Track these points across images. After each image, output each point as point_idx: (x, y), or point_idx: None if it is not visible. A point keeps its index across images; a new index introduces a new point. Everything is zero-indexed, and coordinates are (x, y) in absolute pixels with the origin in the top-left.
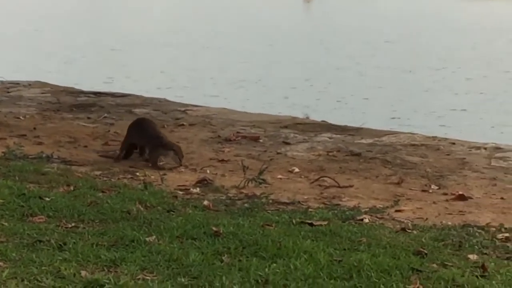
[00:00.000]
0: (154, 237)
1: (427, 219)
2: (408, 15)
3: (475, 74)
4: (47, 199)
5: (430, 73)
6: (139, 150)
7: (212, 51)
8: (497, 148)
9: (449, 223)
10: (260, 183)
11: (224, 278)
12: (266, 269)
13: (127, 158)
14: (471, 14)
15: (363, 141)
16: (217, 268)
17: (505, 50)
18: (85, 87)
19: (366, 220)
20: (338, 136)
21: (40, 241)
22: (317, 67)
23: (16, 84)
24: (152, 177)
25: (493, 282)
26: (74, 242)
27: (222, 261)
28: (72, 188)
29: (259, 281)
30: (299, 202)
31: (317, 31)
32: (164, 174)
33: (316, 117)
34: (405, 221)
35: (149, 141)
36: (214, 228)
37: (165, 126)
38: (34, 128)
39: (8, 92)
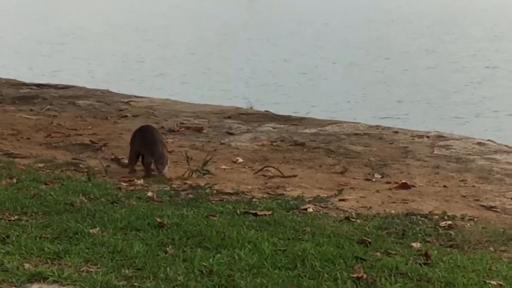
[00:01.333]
0: (98, 229)
1: (370, 208)
2: (353, 7)
3: (416, 64)
4: None
5: (373, 65)
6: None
7: (157, 45)
8: (440, 137)
9: (393, 211)
10: (204, 174)
11: (168, 269)
12: (211, 260)
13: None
14: (414, 5)
15: (307, 130)
16: (162, 259)
17: (445, 40)
18: (28, 80)
19: (310, 210)
20: (282, 126)
21: None
22: (261, 60)
23: None
24: (96, 168)
25: (436, 270)
26: (17, 235)
27: (166, 252)
28: (15, 180)
29: (204, 271)
30: (243, 192)
31: (262, 25)
32: (108, 166)
33: (259, 107)
34: (349, 210)
35: (146, 149)
36: (158, 219)
37: (109, 117)
38: None
39: None
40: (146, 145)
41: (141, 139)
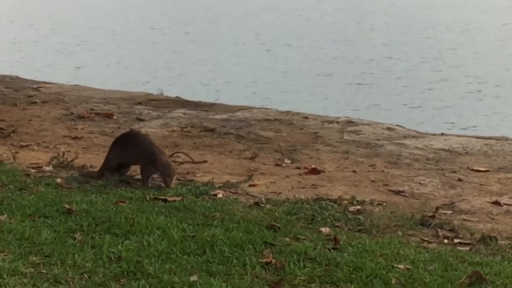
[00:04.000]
0: (5, 216)
1: (280, 193)
2: None
3: (322, 55)
4: None
5: (281, 54)
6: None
7: (72, 29)
8: (349, 122)
9: (302, 196)
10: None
11: (76, 255)
12: (119, 246)
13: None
14: None
15: (217, 116)
16: (70, 246)
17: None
18: None
19: (220, 195)
20: (192, 112)
21: None
22: (172, 47)
23: None
24: (4, 155)
25: (345, 254)
26: None
27: (74, 238)
28: None
29: (112, 258)
30: (152, 178)
31: (176, 11)
32: (16, 152)
33: (170, 93)
34: (259, 195)
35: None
36: (66, 206)
37: (18, 103)
38: None
39: None
40: (142, 156)
41: (133, 148)
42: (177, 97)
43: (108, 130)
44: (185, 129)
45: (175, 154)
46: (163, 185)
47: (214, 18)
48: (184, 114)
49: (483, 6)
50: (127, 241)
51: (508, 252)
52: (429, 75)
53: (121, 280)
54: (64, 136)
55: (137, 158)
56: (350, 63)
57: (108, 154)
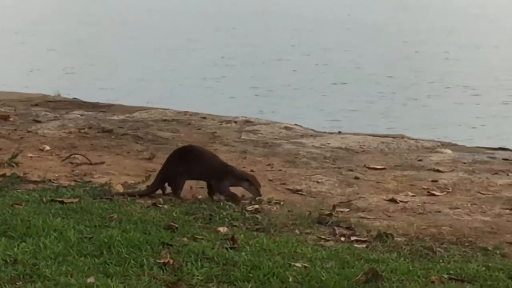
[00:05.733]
0: None
1: None
2: None
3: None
4: None
5: (184, 53)
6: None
7: None
8: (247, 122)
9: (200, 196)
10: (13, 166)
11: None
12: (15, 249)
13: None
14: None
15: (115, 117)
16: None
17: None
18: None
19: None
20: (90, 113)
21: None
22: (73, 48)
23: None
24: None
25: (242, 253)
26: None
27: None
28: None
29: (8, 261)
30: (50, 180)
31: (79, 13)
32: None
33: (68, 95)
34: (156, 196)
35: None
36: None
37: None
38: None
39: None
40: (214, 170)
41: (200, 164)
42: (74, 98)
43: (4, 132)
44: (82, 131)
45: (72, 156)
46: (251, 195)
47: (115, 20)
48: (82, 115)
49: (389, 5)
50: (23, 244)
51: (404, 249)
52: (332, 76)
53: (17, 283)
54: None
55: (207, 174)
56: (250, 65)
57: (175, 173)
